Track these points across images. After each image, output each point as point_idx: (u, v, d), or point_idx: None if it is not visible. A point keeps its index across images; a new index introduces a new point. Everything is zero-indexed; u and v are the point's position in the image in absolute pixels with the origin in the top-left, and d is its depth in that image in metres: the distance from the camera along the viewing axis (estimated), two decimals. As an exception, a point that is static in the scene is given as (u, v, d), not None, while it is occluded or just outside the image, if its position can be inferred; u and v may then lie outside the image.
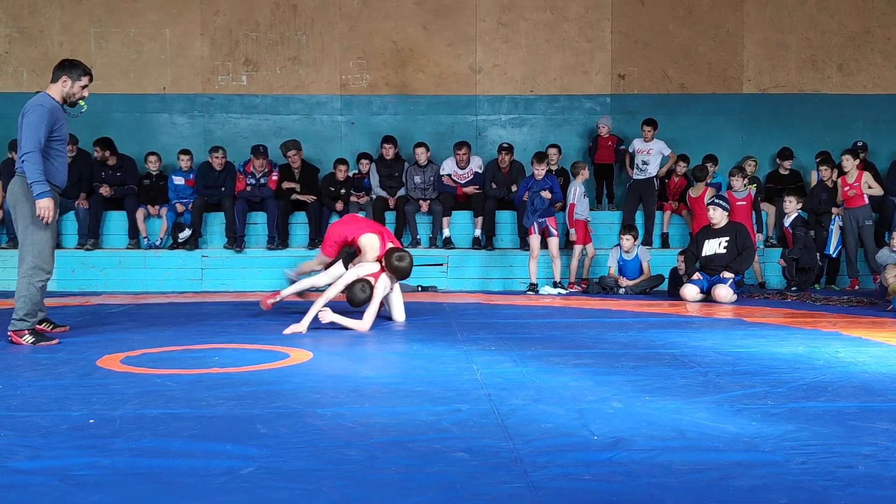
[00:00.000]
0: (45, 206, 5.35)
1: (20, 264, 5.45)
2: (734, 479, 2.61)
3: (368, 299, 6.08)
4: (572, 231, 9.43)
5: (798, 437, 3.08)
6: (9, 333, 5.42)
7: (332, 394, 3.86)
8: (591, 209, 10.88)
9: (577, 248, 9.48)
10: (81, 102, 5.67)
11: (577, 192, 9.42)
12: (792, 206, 9.52)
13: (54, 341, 5.45)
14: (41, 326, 5.75)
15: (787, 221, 9.60)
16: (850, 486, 2.55)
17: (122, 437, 3.09)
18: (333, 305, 6.23)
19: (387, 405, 3.66)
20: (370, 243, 6.46)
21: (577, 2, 11.31)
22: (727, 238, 8.38)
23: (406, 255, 6.34)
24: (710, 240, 8.43)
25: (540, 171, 9.09)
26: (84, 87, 5.61)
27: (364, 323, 6.00)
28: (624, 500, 2.43)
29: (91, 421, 3.33)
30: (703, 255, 8.41)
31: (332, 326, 6.09)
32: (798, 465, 2.75)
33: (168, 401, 3.71)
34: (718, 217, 8.41)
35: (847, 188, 9.54)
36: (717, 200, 8.52)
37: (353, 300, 6.07)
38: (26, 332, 5.39)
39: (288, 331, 5.82)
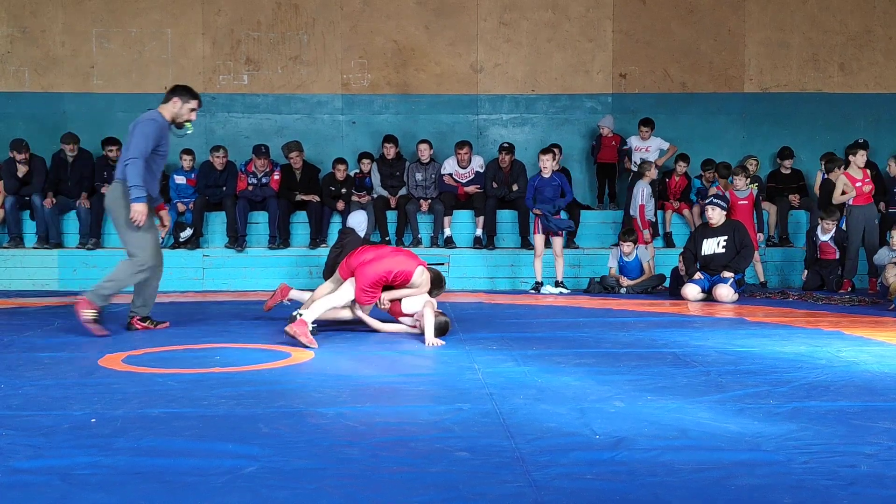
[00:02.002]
0: (139, 210, 5.65)
1: (129, 257, 5.84)
2: (737, 478, 2.60)
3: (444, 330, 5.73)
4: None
5: (800, 436, 3.08)
6: (81, 298, 5.74)
7: (334, 393, 3.86)
8: (592, 208, 10.93)
9: (651, 247, 9.49)
10: (188, 125, 6.04)
11: (644, 193, 9.41)
12: (831, 225, 9.31)
13: (105, 333, 5.70)
14: (144, 324, 6.10)
15: (826, 237, 9.36)
16: (853, 485, 2.55)
17: (124, 436, 3.09)
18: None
19: (389, 405, 3.66)
20: (426, 280, 5.88)
21: (578, 1, 11.30)
22: (725, 237, 8.36)
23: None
24: (709, 239, 8.41)
25: (545, 165, 9.01)
26: (192, 110, 6.00)
27: (386, 325, 5.95)
28: (626, 500, 2.43)
29: (93, 420, 3.33)
30: (703, 254, 8.39)
31: (333, 327, 6.10)
32: (800, 464, 2.75)
33: (170, 400, 3.71)
34: (717, 217, 8.39)
35: (860, 184, 9.39)
36: (715, 200, 8.48)
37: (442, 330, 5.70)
38: (96, 309, 5.69)
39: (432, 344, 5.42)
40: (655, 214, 10.20)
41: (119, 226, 5.84)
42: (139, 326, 6.09)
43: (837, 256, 9.39)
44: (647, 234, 9.40)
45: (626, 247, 9.09)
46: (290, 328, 5.36)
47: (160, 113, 5.95)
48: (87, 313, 5.65)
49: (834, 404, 3.62)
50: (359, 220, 8.97)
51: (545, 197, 8.99)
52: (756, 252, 9.58)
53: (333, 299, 5.77)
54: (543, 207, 8.92)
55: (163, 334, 5.88)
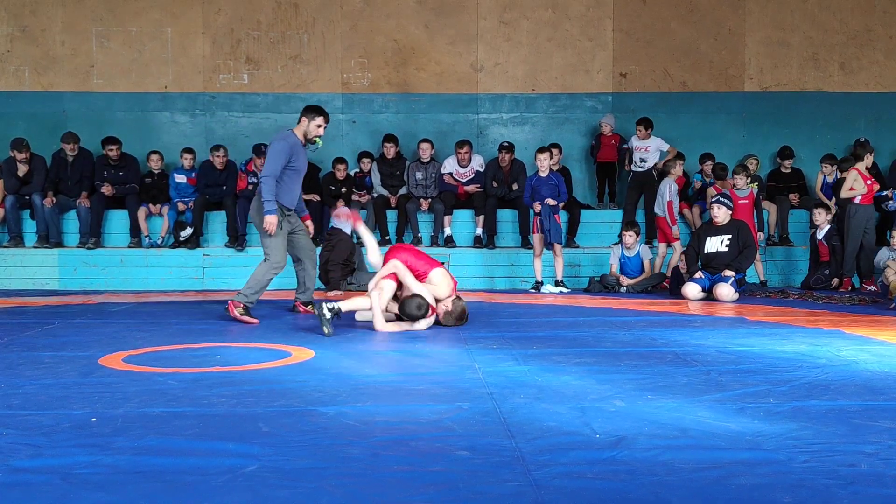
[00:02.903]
0: (271, 221, 6.46)
1: (265, 259, 6.64)
2: (737, 477, 2.60)
3: (424, 315, 5.91)
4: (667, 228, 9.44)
5: (801, 435, 3.08)
6: (230, 301, 6.51)
7: (335, 392, 3.86)
8: (592, 208, 10.93)
9: (662, 247, 9.45)
10: (318, 140, 6.69)
11: (671, 190, 9.40)
12: (822, 218, 9.44)
13: (255, 321, 6.35)
14: (307, 308, 7.04)
15: (821, 234, 9.49)
16: (853, 484, 2.55)
17: (124, 435, 3.09)
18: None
19: (389, 404, 3.66)
20: (443, 280, 6.25)
21: (578, 0, 11.30)
22: (729, 236, 8.36)
23: (461, 304, 6.30)
24: (712, 237, 8.42)
25: (543, 164, 9.03)
26: (319, 126, 6.62)
27: (384, 325, 5.98)
28: (626, 499, 2.43)
29: (93, 419, 3.33)
30: (706, 252, 8.40)
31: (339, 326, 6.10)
32: (801, 463, 2.75)
33: (170, 399, 3.71)
34: (722, 216, 8.41)
35: (870, 181, 9.39)
36: (721, 199, 8.50)
37: (410, 314, 5.91)
38: (242, 305, 6.42)
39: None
40: (652, 212, 10.19)
41: (259, 231, 6.71)
42: (302, 310, 7.04)
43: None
44: (675, 230, 9.37)
45: (629, 237, 9.07)
46: None
47: (293, 132, 6.63)
48: (237, 311, 6.38)
49: (834, 403, 3.62)
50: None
51: (542, 196, 9.00)
52: (756, 251, 9.59)
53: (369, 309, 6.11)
54: (544, 208, 8.90)
55: (163, 333, 5.89)
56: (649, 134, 10.50)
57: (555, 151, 10.43)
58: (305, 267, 7.10)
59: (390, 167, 10.47)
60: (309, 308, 7.06)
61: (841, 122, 11.40)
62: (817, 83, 11.45)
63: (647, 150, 10.44)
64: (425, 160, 10.40)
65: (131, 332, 5.91)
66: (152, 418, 3.35)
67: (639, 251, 9.18)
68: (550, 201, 8.91)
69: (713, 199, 8.66)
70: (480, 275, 9.94)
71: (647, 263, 9.19)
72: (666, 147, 10.56)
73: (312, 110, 6.68)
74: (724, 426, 3.21)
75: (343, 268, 9.08)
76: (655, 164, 10.45)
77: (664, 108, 11.24)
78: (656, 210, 9.56)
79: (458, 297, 6.33)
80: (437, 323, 6.18)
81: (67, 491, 2.50)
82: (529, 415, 3.41)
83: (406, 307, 5.94)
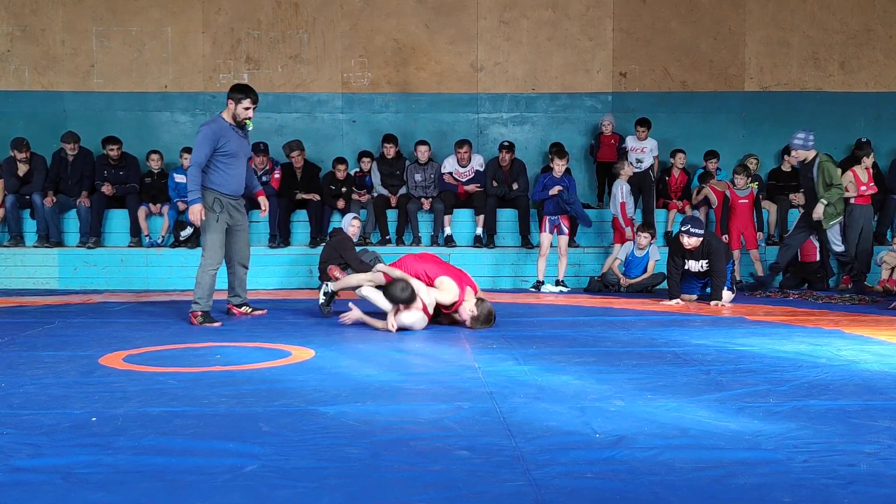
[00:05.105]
0: (193, 210, 6.24)
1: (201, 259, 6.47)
2: (737, 477, 2.61)
3: (407, 300, 5.88)
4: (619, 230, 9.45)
5: (800, 435, 3.09)
6: (189, 313, 6.35)
7: (335, 392, 3.86)
8: (592, 207, 10.92)
9: (616, 248, 9.39)
10: (248, 122, 6.45)
11: (623, 191, 9.37)
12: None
13: (217, 323, 6.23)
14: (241, 310, 6.78)
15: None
16: (853, 484, 2.55)
17: (125, 435, 3.10)
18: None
19: (389, 403, 3.66)
20: (448, 286, 6.22)
21: None
22: (706, 260, 8.02)
23: (487, 306, 6.24)
24: (690, 260, 7.98)
25: (560, 168, 9.07)
26: (247, 108, 6.37)
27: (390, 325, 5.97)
28: (626, 499, 2.44)
29: (93, 419, 3.34)
30: (690, 270, 8.08)
31: (341, 325, 6.10)
32: (800, 463, 2.75)
33: (170, 399, 3.72)
34: (695, 243, 7.89)
35: (864, 187, 9.32)
36: (691, 230, 7.87)
37: (392, 295, 5.91)
38: (199, 313, 6.28)
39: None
40: (651, 212, 10.18)
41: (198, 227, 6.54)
42: (237, 313, 6.77)
43: (818, 258, 9.29)
44: (629, 231, 9.33)
45: (643, 238, 9.00)
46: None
47: (221, 116, 6.41)
48: (196, 319, 6.26)
49: (834, 403, 3.63)
50: (344, 219, 9.05)
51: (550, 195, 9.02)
52: (756, 251, 9.58)
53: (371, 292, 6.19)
54: (552, 202, 8.95)
55: (164, 333, 5.89)
56: (647, 135, 10.52)
57: (568, 156, 10.36)
58: (236, 270, 6.77)
59: (390, 167, 10.47)
60: (244, 310, 6.84)
61: (841, 122, 11.39)
62: (817, 83, 11.45)
63: (644, 151, 10.46)
64: (423, 162, 10.40)
65: (131, 332, 5.91)
66: (152, 418, 3.35)
67: (648, 251, 9.12)
68: (555, 190, 8.94)
69: (683, 228, 7.96)
70: (480, 274, 9.91)
71: (651, 264, 9.16)
72: (656, 152, 10.60)
73: (239, 91, 6.40)
74: (724, 426, 3.22)
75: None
76: (651, 165, 10.47)
77: (664, 107, 11.24)
78: (612, 211, 9.51)
79: (480, 300, 6.24)
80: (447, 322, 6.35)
81: (68, 490, 2.50)
82: (529, 414, 3.41)
83: (390, 288, 5.94)
